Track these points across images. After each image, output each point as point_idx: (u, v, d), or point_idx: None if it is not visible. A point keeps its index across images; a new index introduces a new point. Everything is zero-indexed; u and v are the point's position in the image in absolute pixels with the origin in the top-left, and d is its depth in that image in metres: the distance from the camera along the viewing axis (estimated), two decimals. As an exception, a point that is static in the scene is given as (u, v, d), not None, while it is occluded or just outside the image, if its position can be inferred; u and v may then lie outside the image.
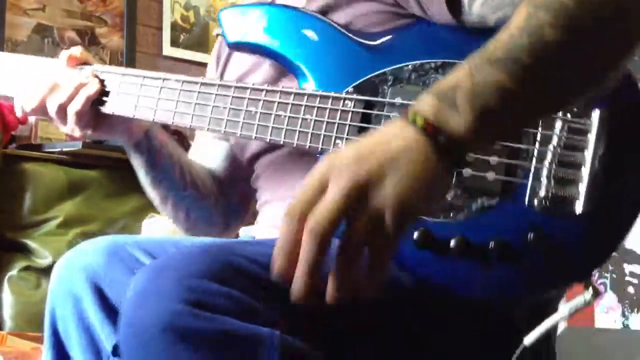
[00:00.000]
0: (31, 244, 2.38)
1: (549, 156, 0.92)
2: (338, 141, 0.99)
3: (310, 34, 1.05)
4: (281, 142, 1.02)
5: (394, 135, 0.77)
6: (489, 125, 0.76)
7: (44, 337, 1.12)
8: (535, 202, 0.92)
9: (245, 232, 2.73)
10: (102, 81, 1.15)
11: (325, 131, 0.99)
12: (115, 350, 1.03)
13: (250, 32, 1.07)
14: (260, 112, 1.03)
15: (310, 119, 1.00)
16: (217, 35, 1.12)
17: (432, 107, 0.75)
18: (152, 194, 1.25)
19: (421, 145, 0.74)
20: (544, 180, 0.92)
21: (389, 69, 1.00)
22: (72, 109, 1.13)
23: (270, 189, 1.13)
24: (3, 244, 2.38)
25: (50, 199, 2.43)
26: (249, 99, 1.04)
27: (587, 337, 2.75)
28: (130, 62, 3.05)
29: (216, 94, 1.06)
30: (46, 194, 2.42)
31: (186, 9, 3.30)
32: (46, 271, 2.36)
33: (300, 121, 1.01)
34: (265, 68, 1.13)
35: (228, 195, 1.30)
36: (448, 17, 0.98)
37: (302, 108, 1.01)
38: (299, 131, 1.00)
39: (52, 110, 1.14)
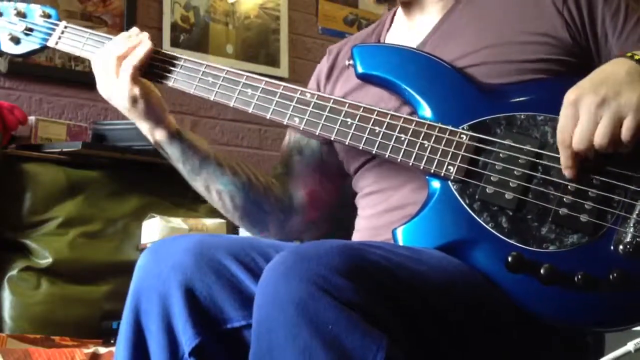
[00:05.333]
0: (31, 244, 2.37)
1: (638, 208, 1.07)
2: (450, 167, 1.15)
3: (435, 75, 1.22)
4: (398, 160, 1.18)
5: (616, 67, 1.08)
6: None
7: (122, 324, 1.15)
8: (620, 246, 1.06)
9: (244, 232, 2.74)
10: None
11: (439, 156, 1.16)
12: (193, 352, 1.10)
13: (380, 67, 1.25)
14: (384, 132, 1.19)
15: (428, 145, 1.17)
16: (349, 66, 1.28)
17: None
18: (197, 185, 1.38)
19: None
20: (630, 228, 1.06)
21: (503, 115, 1.16)
22: (129, 62, 1.28)
23: (370, 185, 1.34)
24: (3, 244, 2.37)
25: (50, 199, 2.42)
26: (374, 119, 1.20)
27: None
28: (130, 62, 3.05)
29: (346, 110, 1.22)
30: (46, 194, 2.42)
31: (186, 10, 3.30)
32: (46, 271, 2.36)
33: (418, 145, 1.17)
34: (371, 92, 1.30)
35: (292, 189, 1.43)
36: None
37: (422, 134, 1.17)
38: (416, 153, 1.17)
39: (111, 60, 1.29)
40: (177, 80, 1.32)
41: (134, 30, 1.35)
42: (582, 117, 1.06)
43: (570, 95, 1.07)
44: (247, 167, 1.40)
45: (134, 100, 1.29)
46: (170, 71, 1.33)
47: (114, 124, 2.72)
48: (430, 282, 1.03)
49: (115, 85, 1.29)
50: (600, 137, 1.05)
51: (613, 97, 1.05)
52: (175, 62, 1.33)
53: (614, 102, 1.05)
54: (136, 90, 1.29)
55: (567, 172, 1.09)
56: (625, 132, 1.05)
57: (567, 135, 1.07)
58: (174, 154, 1.34)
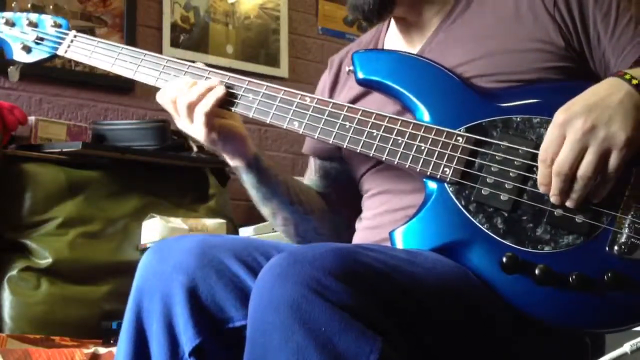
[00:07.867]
0: (31, 244, 2.38)
1: (633, 209, 1.06)
2: (446, 169, 1.15)
3: (433, 79, 1.23)
4: (395, 163, 1.19)
5: (611, 91, 1.05)
6: None
7: (123, 323, 1.16)
8: (615, 247, 1.06)
9: (244, 233, 2.75)
10: (229, 88, 1.30)
11: (435, 159, 1.16)
12: (193, 352, 1.11)
13: (379, 72, 1.26)
14: (381, 135, 1.20)
15: (424, 147, 1.17)
16: (349, 72, 1.29)
17: None
18: (263, 209, 1.41)
19: (637, 97, 1.04)
20: (625, 229, 1.06)
21: (500, 117, 1.16)
22: (201, 109, 1.26)
23: (374, 188, 1.35)
24: (3, 244, 2.38)
25: (50, 199, 2.43)
26: (372, 122, 1.21)
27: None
28: (130, 63, 3.05)
29: (344, 114, 1.23)
30: (46, 194, 2.42)
31: (186, 10, 3.30)
32: (46, 271, 2.36)
33: (415, 147, 1.18)
34: (377, 98, 1.30)
35: (336, 211, 1.48)
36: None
37: (418, 137, 1.18)
38: (413, 155, 1.18)
39: (182, 107, 1.27)
40: None
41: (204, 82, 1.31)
42: (568, 142, 1.05)
43: (559, 116, 1.06)
44: (308, 195, 1.44)
45: (212, 141, 1.30)
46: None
47: (114, 124, 2.73)
48: (425, 285, 1.03)
49: (191, 128, 1.29)
50: (584, 168, 1.04)
51: (603, 125, 1.03)
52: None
53: (602, 131, 1.03)
54: (213, 135, 1.28)
55: (542, 189, 1.09)
56: (610, 169, 1.04)
57: (549, 156, 1.06)
58: (249, 180, 1.37)
